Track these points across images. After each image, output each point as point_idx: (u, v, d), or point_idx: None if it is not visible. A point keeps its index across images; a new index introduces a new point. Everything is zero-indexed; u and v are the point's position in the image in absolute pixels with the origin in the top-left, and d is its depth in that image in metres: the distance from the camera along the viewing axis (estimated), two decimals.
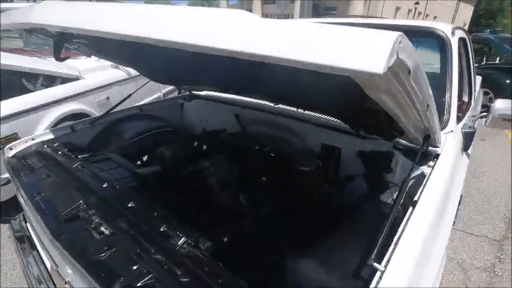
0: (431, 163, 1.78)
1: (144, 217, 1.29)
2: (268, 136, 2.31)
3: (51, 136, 2.13)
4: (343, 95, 1.18)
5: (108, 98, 4.00)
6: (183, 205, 1.43)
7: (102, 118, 2.42)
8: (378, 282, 0.99)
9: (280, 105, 2.45)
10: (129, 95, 2.59)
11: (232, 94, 2.44)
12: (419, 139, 1.44)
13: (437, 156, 1.79)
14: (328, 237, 1.27)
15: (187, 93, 3.06)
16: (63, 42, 1.36)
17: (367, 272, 1.10)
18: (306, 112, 2.30)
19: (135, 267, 1.07)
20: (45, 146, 2.00)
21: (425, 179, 1.60)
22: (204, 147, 1.95)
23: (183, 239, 1.14)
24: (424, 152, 1.79)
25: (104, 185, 1.53)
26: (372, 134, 1.71)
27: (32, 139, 2.06)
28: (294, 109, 2.38)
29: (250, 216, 1.44)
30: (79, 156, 1.84)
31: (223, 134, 2.40)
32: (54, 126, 3.34)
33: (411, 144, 1.82)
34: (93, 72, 3.95)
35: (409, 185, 1.83)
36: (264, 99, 2.18)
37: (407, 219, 1.22)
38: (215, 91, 2.58)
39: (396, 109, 1.01)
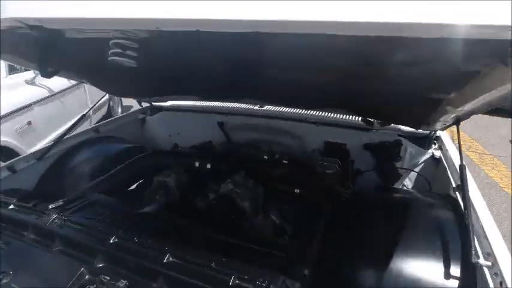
0: (434, 146, 1.87)
1: (196, 271, 0.99)
2: (265, 142, 2.12)
3: None
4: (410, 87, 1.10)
5: (29, 123, 3.19)
6: (228, 243, 1.16)
7: (52, 149, 1.87)
8: (496, 279, 0.94)
9: (267, 107, 2.30)
10: (83, 115, 2.07)
11: (221, 100, 2.17)
12: (448, 123, 1.46)
13: (437, 138, 1.89)
14: (402, 239, 1.18)
15: (148, 105, 2.62)
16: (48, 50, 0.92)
17: (467, 269, 1.04)
18: (301, 112, 2.20)
19: None
20: None
21: (448, 161, 1.66)
22: (208, 166, 1.66)
23: None
24: (427, 136, 1.87)
25: (111, 240, 1.14)
26: (395, 123, 1.70)
27: None
28: (286, 110, 2.26)
29: (305, 235, 1.25)
30: (51, 207, 1.35)
31: (218, 147, 2.12)
32: None
33: (415, 130, 1.88)
34: (3, 91, 3.10)
35: (419, 167, 1.90)
36: (271, 103, 1.98)
37: (472, 207, 1.21)
38: (199, 99, 2.26)
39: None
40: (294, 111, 2.23)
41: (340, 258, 1.16)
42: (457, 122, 1.42)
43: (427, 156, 1.85)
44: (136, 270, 1.04)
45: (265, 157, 1.81)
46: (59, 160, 1.90)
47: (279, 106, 2.19)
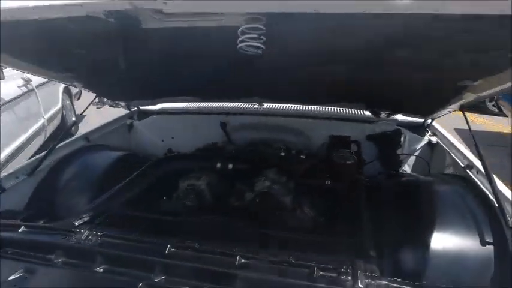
0: (428, 133, 2.07)
1: (276, 269, 0.96)
2: (270, 140, 2.11)
3: None
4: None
5: None
6: (289, 237, 1.15)
7: (44, 161, 1.64)
8: None
9: (267, 105, 2.31)
10: (74, 122, 1.84)
11: (226, 100, 2.11)
12: (453, 109, 1.62)
13: (429, 125, 2.09)
14: (435, 218, 1.28)
15: (135, 110, 2.44)
16: None
17: (498, 233, 1.17)
18: (303, 108, 2.25)
19: None
20: None
21: (448, 145, 1.84)
22: (230, 166, 1.60)
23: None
24: (422, 124, 2.06)
25: (166, 250, 1.04)
26: (404, 112, 1.83)
27: None
28: (287, 107, 2.29)
29: (359, 222, 1.28)
30: (77, 223, 1.18)
31: (230, 147, 2.05)
32: None
33: (410, 119, 2.06)
34: None
35: (417, 153, 2.08)
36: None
37: (489, 180, 1.36)
38: (201, 100, 2.16)
39: None
40: (296, 107, 2.27)
41: (388, 240, 1.23)
42: (461, 107, 1.59)
43: (423, 142, 2.03)
44: (206, 277, 0.97)
45: (282, 154, 1.81)
46: (51, 173, 1.68)
47: (294, 104, 2.21)
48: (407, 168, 2.12)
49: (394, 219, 1.36)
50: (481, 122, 4.85)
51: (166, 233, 1.14)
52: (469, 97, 1.38)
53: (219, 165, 1.60)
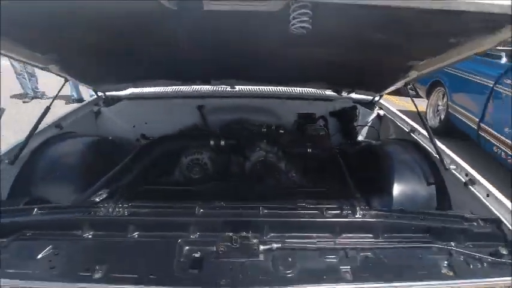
0: (376, 107, 2.49)
1: (293, 214, 1.17)
2: (249, 120, 2.28)
3: None
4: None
5: None
6: (295, 190, 1.36)
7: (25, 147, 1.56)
8: (462, 173, 1.49)
9: (239, 88, 2.45)
10: (47, 108, 1.72)
11: (204, 83, 2.18)
12: (398, 87, 2.02)
13: (376, 101, 2.51)
14: (393, 172, 1.62)
15: (100, 96, 2.34)
16: None
17: (438, 176, 1.57)
18: (272, 89, 2.46)
19: None
20: None
21: (394, 116, 2.27)
22: (222, 142, 1.73)
23: None
24: (371, 100, 2.47)
25: (196, 211, 1.16)
26: (362, 89, 2.17)
27: None
28: (259, 88, 2.47)
29: (343, 177, 1.55)
30: (98, 200, 1.20)
31: (216, 127, 2.15)
32: None
33: (362, 96, 2.45)
34: None
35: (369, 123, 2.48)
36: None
37: (430, 138, 1.75)
38: (181, 84, 2.19)
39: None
40: (266, 89, 2.47)
41: (360, 189, 1.53)
42: (405, 85, 1.99)
43: (374, 115, 2.45)
44: (236, 227, 1.08)
45: (264, 129, 2.01)
46: (32, 161, 1.59)
47: (268, 85, 2.38)
48: (360, 137, 2.52)
49: (362, 174, 1.69)
50: (401, 104, 5.74)
51: (186, 200, 1.25)
52: (413, 75, 1.75)
53: (212, 142, 1.72)
